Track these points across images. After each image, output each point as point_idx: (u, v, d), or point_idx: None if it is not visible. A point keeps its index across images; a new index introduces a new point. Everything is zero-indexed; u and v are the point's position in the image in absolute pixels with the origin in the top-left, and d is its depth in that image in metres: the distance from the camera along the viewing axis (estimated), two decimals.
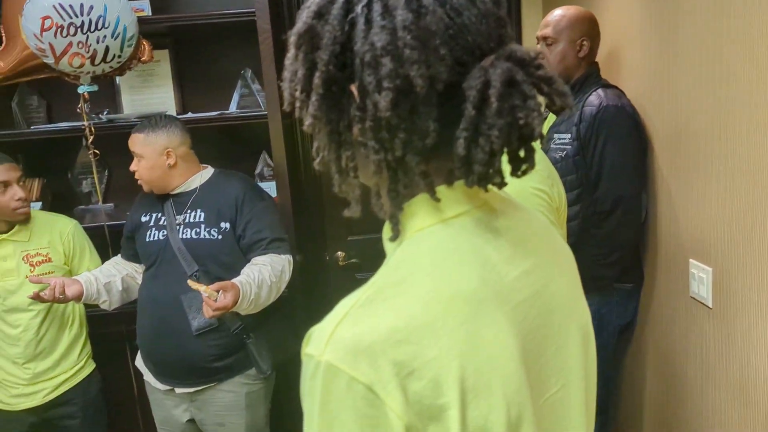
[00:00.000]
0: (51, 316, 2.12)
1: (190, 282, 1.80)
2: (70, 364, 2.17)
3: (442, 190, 0.68)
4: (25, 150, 2.55)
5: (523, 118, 0.63)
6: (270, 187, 2.63)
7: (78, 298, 1.98)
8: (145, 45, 2.26)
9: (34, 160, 2.61)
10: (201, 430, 2.13)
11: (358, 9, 0.64)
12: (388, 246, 0.72)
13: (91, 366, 2.26)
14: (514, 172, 0.69)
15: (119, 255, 2.22)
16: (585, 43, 2.08)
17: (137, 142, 2.02)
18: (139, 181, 2.06)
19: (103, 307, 2.10)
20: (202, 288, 1.76)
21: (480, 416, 0.61)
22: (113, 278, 2.10)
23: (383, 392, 0.58)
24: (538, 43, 2.14)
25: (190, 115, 2.60)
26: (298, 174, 2.86)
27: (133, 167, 2.03)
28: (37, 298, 1.91)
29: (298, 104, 0.68)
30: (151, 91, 2.67)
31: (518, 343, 0.65)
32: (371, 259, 3.01)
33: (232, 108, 2.68)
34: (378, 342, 0.59)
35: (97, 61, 1.97)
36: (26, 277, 2.06)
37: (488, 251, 0.68)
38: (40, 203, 2.51)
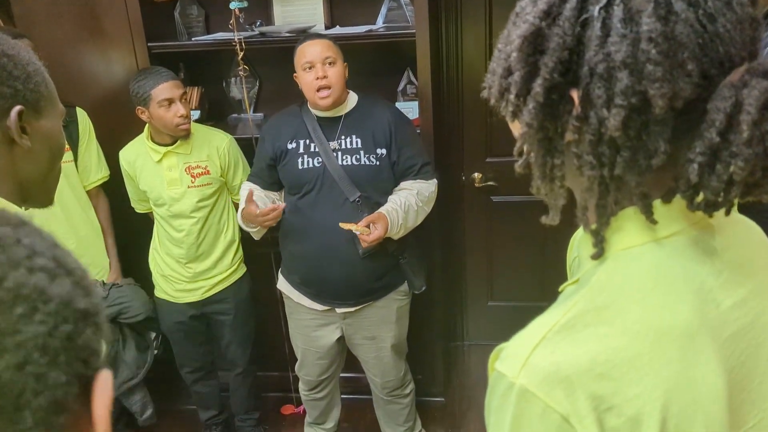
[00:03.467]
0: (209, 224, 2.31)
1: (341, 225, 1.90)
2: (224, 267, 2.38)
3: (657, 205, 0.62)
4: (186, 60, 2.68)
5: None
6: (412, 107, 2.61)
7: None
8: None
9: (194, 70, 2.75)
10: (348, 347, 2.30)
11: (595, 11, 0.56)
12: (585, 261, 0.67)
13: (243, 269, 2.46)
14: (743, 198, 0.60)
15: (251, 182, 2.18)
16: None
17: (328, 46, 2.00)
18: (322, 93, 1.98)
19: (257, 236, 2.14)
20: (353, 228, 1.87)
21: None
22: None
23: (579, 425, 0.57)
24: None
25: (338, 29, 2.59)
26: (439, 93, 2.80)
27: (322, 73, 1.97)
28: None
29: (510, 108, 0.63)
30: (302, 3, 2.67)
31: (725, 381, 0.60)
32: (509, 183, 2.97)
33: (379, 22, 2.63)
34: (577, 374, 0.57)
35: None
36: (187, 186, 2.24)
37: (704, 276, 0.62)
38: (198, 111, 2.67)
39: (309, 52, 2.00)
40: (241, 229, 2.43)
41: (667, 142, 0.57)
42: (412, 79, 2.71)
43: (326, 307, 2.16)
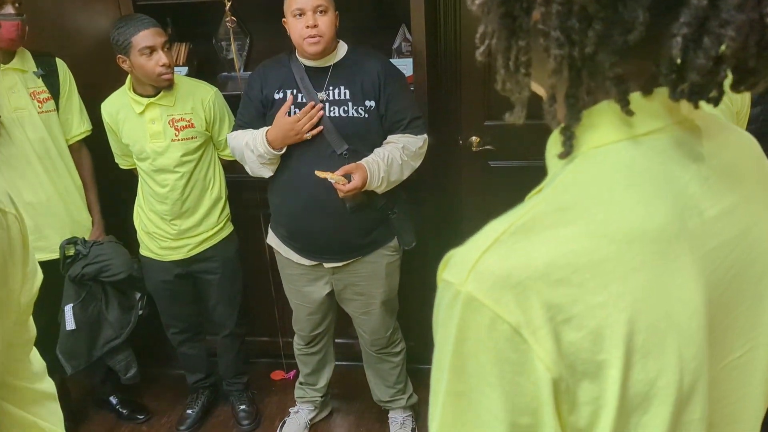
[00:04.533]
0: (194, 179, 2.24)
1: (317, 172, 1.85)
2: (211, 224, 2.32)
3: (635, 98, 0.54)
4: (174, 14, 2.60)
5: None
6: (406, 64, 2.52)
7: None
8: None
9: (182, 25, 2.66)
10: (337, 302, 2.25)
11: None
12: (552, 162, 0.59)
13: (230, 228, 2.40)
14: (736, 87, 0.52)
15: (236, 132, 2.09)
16: None
17: None
18: (312, 39, 1.89)
19: (269, 171, 2.03)
20: (329, 176, 1.80)
21: (645, 380, 0.51)
22: None
23: (532, 338, 0.49)
24: None
25: None
26: (436, 51, 2.71)
27: (312, 22, 1.88)
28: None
29: None
30: None
31: (704, 297, 0.53)
32: (507, 147, 2.88)
33: None
34: (531, 278, 0.49)
35: None
36: (171, 140, 2.17)
37: (686, 180, 0.55)
38: (186, 68, 2.59)
39: None
40: (228, 186, 2.38)
41: (645, 10, 0.49)
42: (408, 36, 2.63)
43: (314, 262, 2.11)
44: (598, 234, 0.51)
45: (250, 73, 2.75)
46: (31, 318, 0.94)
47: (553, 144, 0.60)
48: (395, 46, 2.68)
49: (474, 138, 2.89)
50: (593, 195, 0.53)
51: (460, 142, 2.92)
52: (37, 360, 0.99)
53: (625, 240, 0.51)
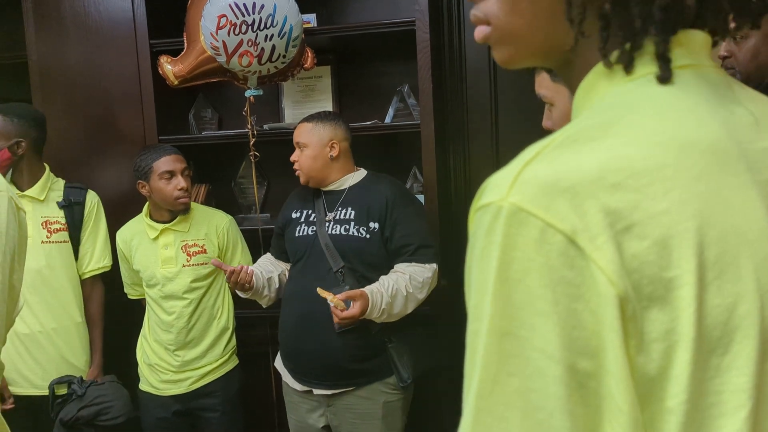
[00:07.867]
0: (202, 307, 2.18)
1: (318, 290, 1.81)
2: (215, 356, 2.21)
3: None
4: (196, 156, 2.72)
5: None
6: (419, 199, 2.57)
7: (251, 285, 1.99)
8: (309, 52, 2.33)
9: (203, 167, 2.77)
10: None
11: None
12: (580, 101, 0.56)
13: (235, 362, 2.29)
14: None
15: (269, 253, 2.24)
16: None
17: (304, 130, 2.07)
18: (297, 173, 2.07)
19: (262, 303, 2.11)
20: (329, 297, 1.75)
21: (723, 306, 0.43)
22: (272, 274, 2.11)
23: (590, 246, 0.42)
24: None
25: None
26: (447, 192, 2.78)
27: (294, 157, 2.06)
28: (219, 265, 1.96)
29: None
30: (312, 105, 2.76)
31: None
32: None
33: (387, 122, 2.68)
34: (585, 182, 0.43)
35: (263, 60, 2.05)
36: (182, 266, 2.15)
37: (728, 110, 0.51)
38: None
39: (295, 134, 2.09)
40: (237, 321, 2.31)
41: None
42: (419, 177, 2.71)
43: (305, 388, 2.00)
44: (650, 142, 0.46)
45: (266, 215, 2.82)
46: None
47: (580, 94, 0.56)
48: (407, 186, 2.75)
49: None
50: (638, 110, 0.49)
51: None
52: None
53: (680, 148, 0.46)
